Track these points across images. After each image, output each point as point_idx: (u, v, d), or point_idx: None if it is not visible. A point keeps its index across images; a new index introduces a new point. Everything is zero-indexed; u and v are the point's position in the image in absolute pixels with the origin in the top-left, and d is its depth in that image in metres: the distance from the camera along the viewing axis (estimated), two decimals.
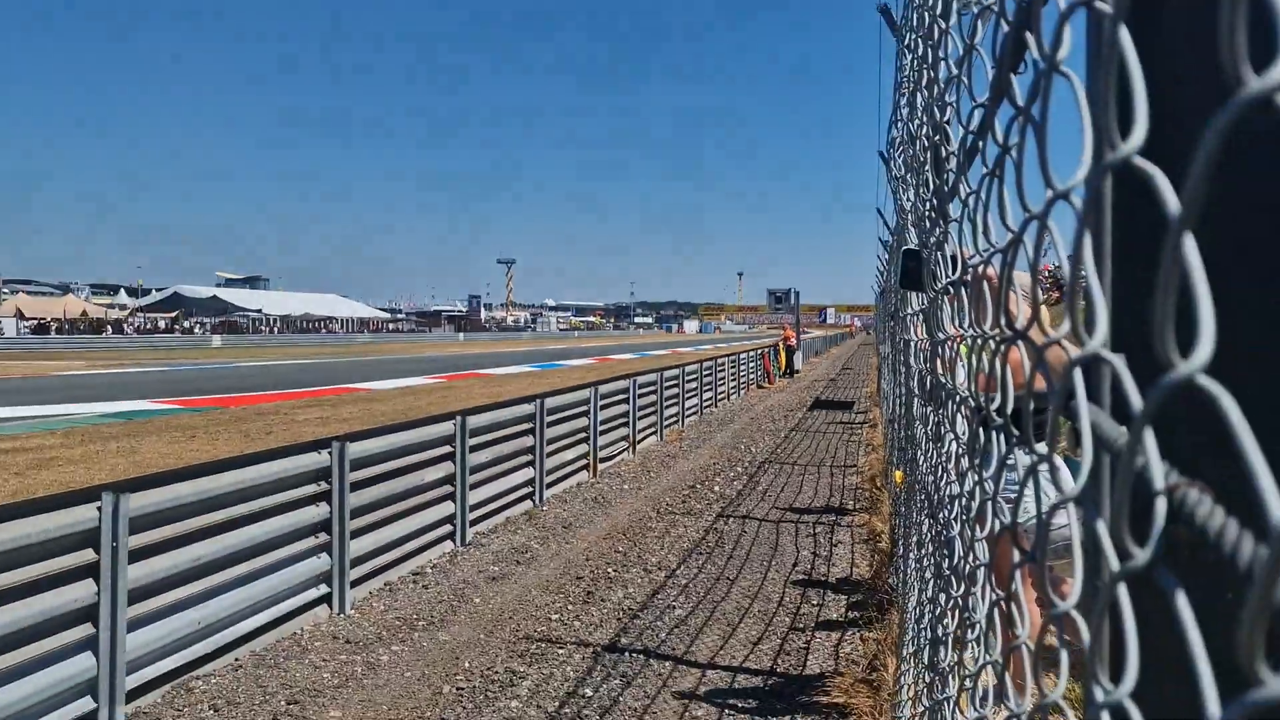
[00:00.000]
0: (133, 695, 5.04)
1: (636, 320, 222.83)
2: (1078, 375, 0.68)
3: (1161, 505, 0.53)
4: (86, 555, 4.77)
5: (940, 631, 1.92)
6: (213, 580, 5.66)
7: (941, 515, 2.05)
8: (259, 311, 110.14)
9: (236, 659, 5.82)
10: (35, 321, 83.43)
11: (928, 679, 2.12)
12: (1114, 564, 0.59)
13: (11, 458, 13.31)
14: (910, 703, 2.82)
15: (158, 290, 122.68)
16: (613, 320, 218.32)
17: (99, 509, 4.83)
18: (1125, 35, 0.53)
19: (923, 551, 2.74)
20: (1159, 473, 0.54)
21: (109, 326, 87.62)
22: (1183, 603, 0.48)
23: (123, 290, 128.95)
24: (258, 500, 6.09)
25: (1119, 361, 0.59)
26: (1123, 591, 0.59)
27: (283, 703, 5.22)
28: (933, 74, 1.78)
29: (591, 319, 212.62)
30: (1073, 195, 0.65)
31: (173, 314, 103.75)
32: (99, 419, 18.76)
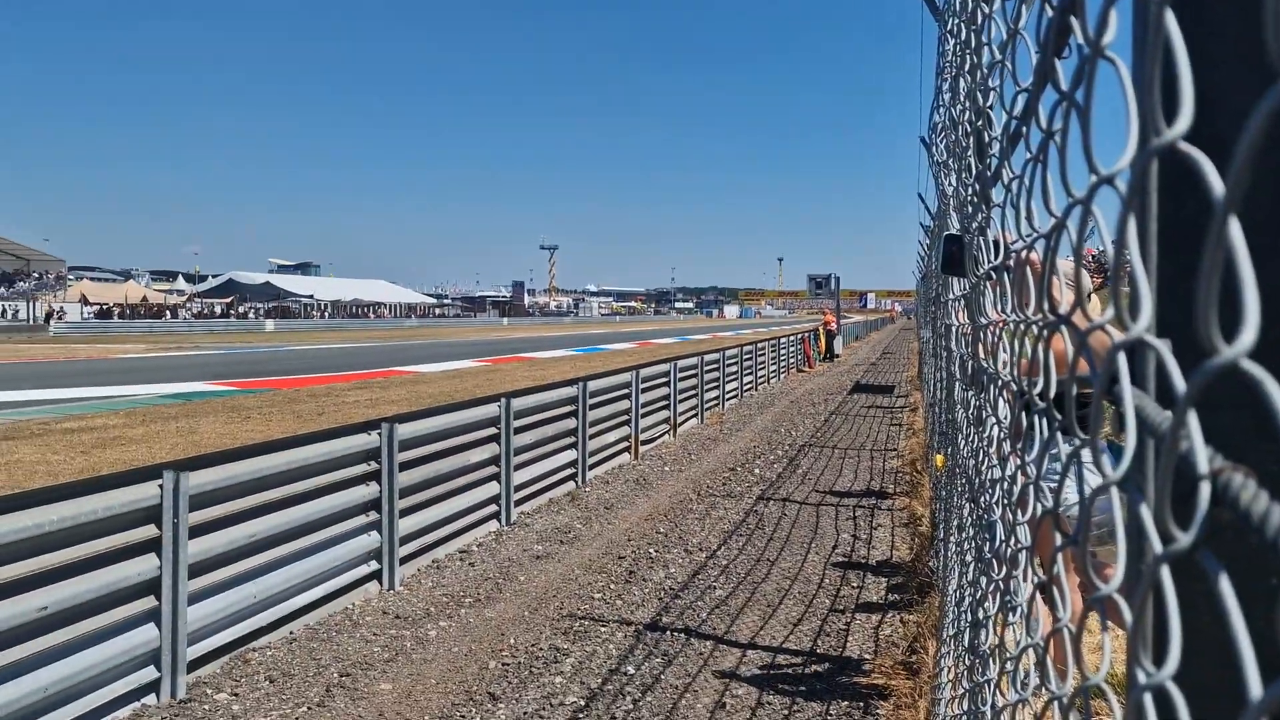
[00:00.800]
0: (193, 665, 5.16)
1: (677, 305, 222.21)
2: (1121, 360, 0.67)
3: (1205, 489, 0.52)
4: (149, 530, 4.88)
5: (981, 614, 1.91)
6: (268, 556, 5.77)
7: (983, 499, 2.03)
8: (310, 297, 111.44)
9: (291, 632, 5.93)
10: (99, 306, 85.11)
11: (968, 661, 2.11)
12: (1157, 547, 0.59)
13: (78, 436, 13.65)
14: (950, 685, 2.80)
15: (214, 276, 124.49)
16: (653, 305, 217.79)
17: (160, 486, 4.94)
18: (1171, 19, 0.52)
19: (963, 535, 2.72)
20: (1203, 456, 0.53)
21: (168, 311, 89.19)
22: (1226, 585, 0.47)
23: (181, 277, 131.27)
24: (310, 479, 6.19)
25: (1163, 346, 0.58)
26: (1165, 574, 0.58)
27: (335, 675, 5.31)
28: (975, 59, 1.75)
29: (633, 304, 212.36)
30: (1117, 180, 0.64)
31: (228, 299, 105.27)
32: (159, 400, 19.16)
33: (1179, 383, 0.53)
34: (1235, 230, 0.41)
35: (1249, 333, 0.42)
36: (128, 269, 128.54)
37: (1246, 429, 0.70)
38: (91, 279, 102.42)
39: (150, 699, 4.89)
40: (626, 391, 12.63)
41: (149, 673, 4.88)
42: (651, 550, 8.04)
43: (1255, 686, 0.41)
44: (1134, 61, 0.68)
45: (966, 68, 2.00)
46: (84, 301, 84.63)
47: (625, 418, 12.54)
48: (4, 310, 73.79)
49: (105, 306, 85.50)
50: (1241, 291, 0.41)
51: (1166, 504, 0.55)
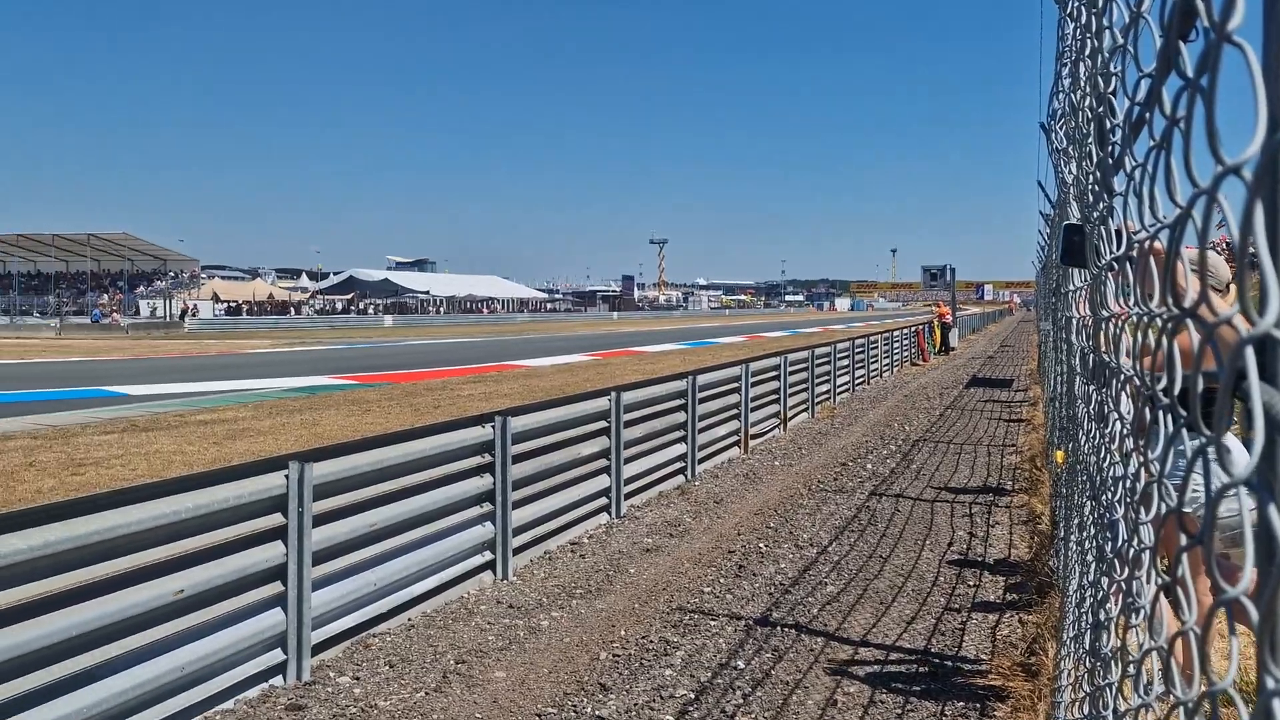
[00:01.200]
0: (317, 649, 5.36)
1: (787, 298, 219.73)
2: (1249, 354, 0.65)
3: None
4: (276, 519, 5.09)
5: (1102, 616, 1.85)
6: (386, 545, 5.95)
7: (1104, 497, 1.96)
8: (426, 293, 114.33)
9: (409, 619, 6.11)
10: (229, 304, 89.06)
11: (1089, 664, 2.05)
12: None
13: (210, 428, 14.36)
14: (1070, 688, 2.72)
15: (335, 274, 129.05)
16: (763, 298, 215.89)
17: (286, 477, 5.15)
18: None
19: (1084, 534, 2.63)
20: None
21: (292, 308, 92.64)
22: None
23: (304, 274, 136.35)
24: (427, 471, 6.36)
25: None
26: None
27: (451, 662, 5.46)
28: (1096, 43, 1.69)
29: (742, 297, 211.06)
30: (1244, 170, 0.62)
31: (348, 296, 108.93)
32: (284, 393, 19.97)
33: None
34: None
35: None
36: (255, 267, 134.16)
37: None
38: (222, 277, 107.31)
39: (278, 680, 5.10)
40: (736, 385, 12.59)
41: (276, 655, 5.10)
42: (761, 545, 8.00)
43: None
44: (1264, 46, 0.66)
45: (1087, 52, 1.93)
46: (215, 299, 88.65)
47: (735, 412, 12.50)
48: (151, 309, 77.64)
49: (234, 304, 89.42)
50: None
51: None
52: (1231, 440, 0.79)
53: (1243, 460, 0.73)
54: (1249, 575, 0.78)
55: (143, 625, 4.35)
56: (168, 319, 71.10)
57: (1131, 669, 1.39)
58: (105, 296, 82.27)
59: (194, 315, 74.44)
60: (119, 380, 23.28)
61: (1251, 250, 0.61)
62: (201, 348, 42.13)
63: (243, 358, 34.66)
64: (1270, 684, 0.62)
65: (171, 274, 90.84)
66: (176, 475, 5.70)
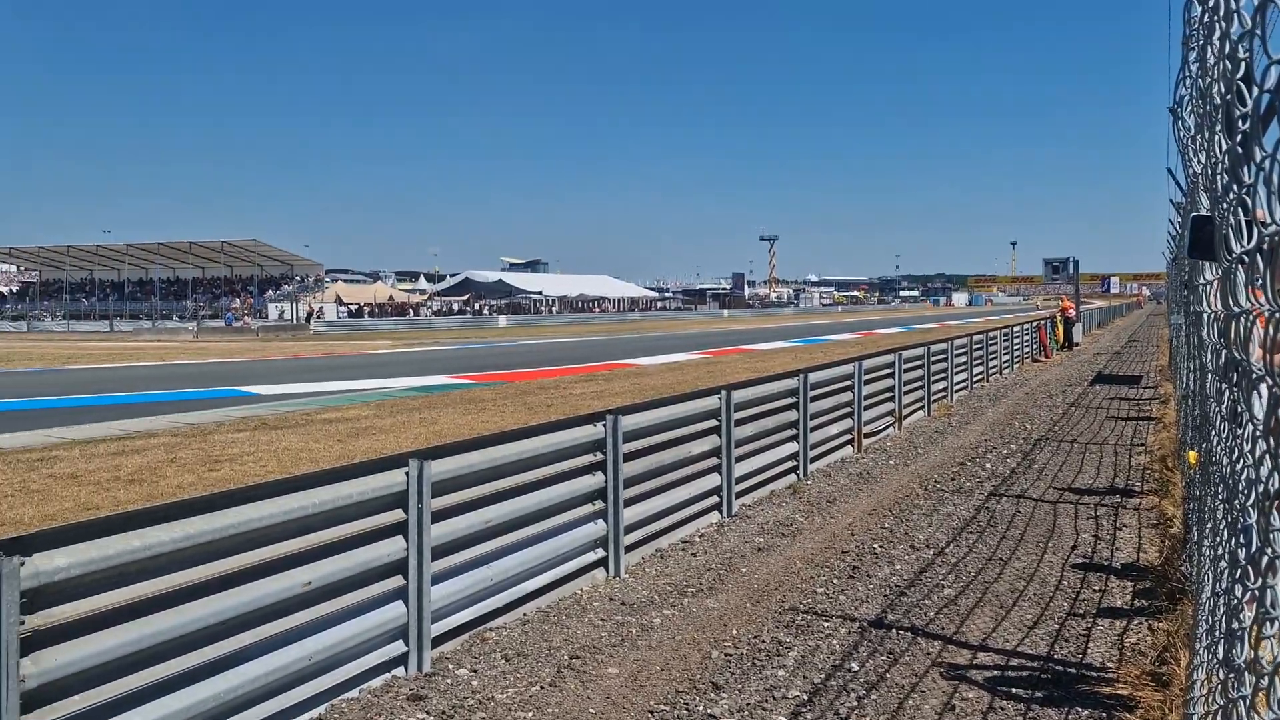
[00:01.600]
0: (436, 642, 5.49)
1: (901, 294, 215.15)
2: None
3: None
4: (397, 515, 5.25)
5: (1235, 625, 1.77)
6: (502, 541, 6.06)
7: (1237, 501, 1.88)
8: (539, 293, 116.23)
9: (524, 614, 6.23)
10: (351, 306, 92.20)
11: (1221, 675, 1.96)
12: None
13: (335, 426, 14.93)
14: (1203, 700, 2.60)
15: (451, 276, 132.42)
16: (877, 294, 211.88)
17: (406, 474, 5.30)
18: None
19: (1218, 539, 2.51)
20: None
21: (411, 310, 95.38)
22: None
23: (422, 277, 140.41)
24: (541, 469, 6.45)
25: None
26: None
27: (566, 657, 5.54)
28: (1224, 26, 1.61)
29: (855, 293, 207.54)
30: None
31: (464, 297, 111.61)
32: (404, 392, 20.59)
33: None
34: None
35: None
36: (375, 270, 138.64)
37: None
38: (344, 281, 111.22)
39: (399, 671, 5.26)
40: (849, 383, 12.41)
41: (398, 646, 5.25)
42: (876, 545, 7.88)
43: None
44: None
45: (1215, 37, 1.84)
46: (338, 302, 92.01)
47: (847, 410, 12.32)
48: (279, 312, 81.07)
49: (356, 306, 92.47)
50: None
51: None
52: None
53: None
54: None
55: (274, 615, 4.54)
56: (295, 322, 74.17)
57: (1263, 681, 1.33)
58: (237, 301, 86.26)
59: (319, 318, 77.37)
60: (250, 380, 24.43)
61: None
62: (326, 349, 43.85)
63: (365, 358, 35.90)
64: None
65: (298, 278, 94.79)
66: (304, 472, 5.94)
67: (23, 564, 3.50)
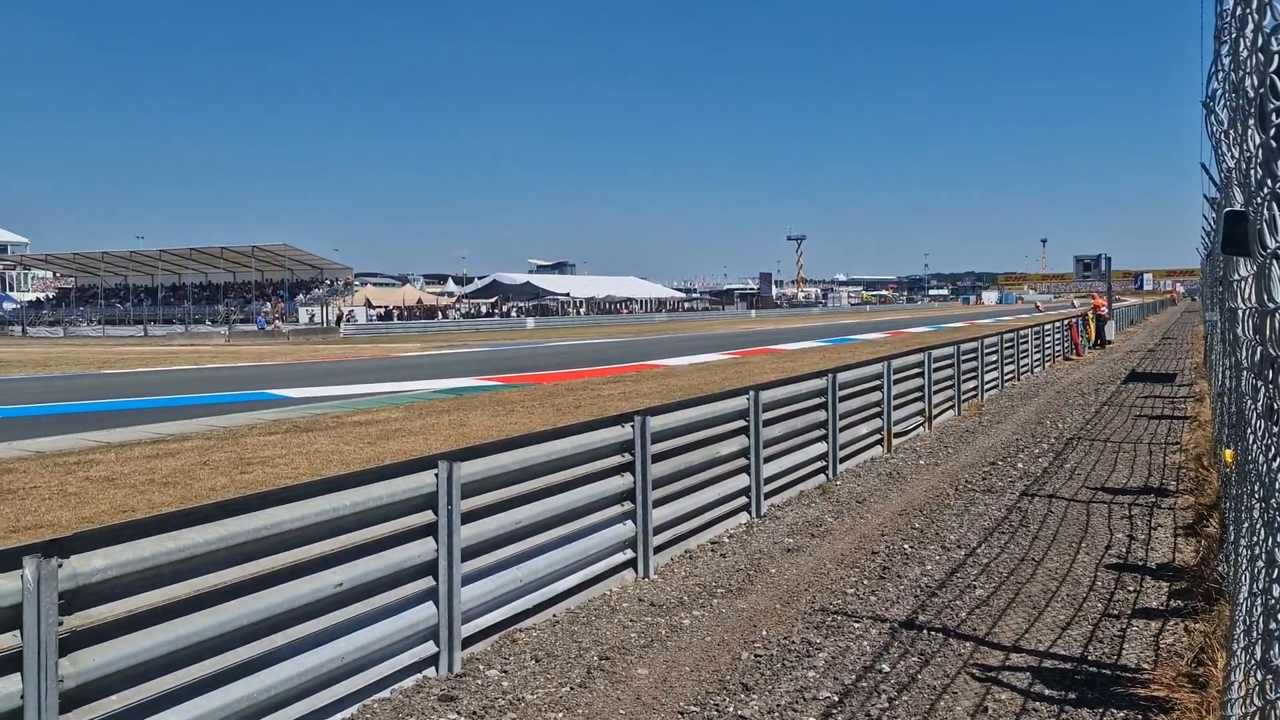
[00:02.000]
0: (467, 643, 5.51)
1: (931, 292, 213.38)
2: None
3: None
4: (427, 516, 5.27)
5: (1273, 625, 1.74)
6: (531, 542, 6.07)
7: (1274, 499, 1.85)
8: (567, 295, 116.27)
9: (554, 615, 6.24)
10: (381, 310, 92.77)
11: (1259, 676, 1.93)
12: None
13: (365, 429, 15.03)
14: (1240, 702, 2.56)
15: (479, 278, 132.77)
16: (906, 293, 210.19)
17: (436, 475, 5.32)
18: None
19: (1255, 538, 2.47)
20: None
21: (439, 312, 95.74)
22: None
23: (450, 279, 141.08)
24: (569, 470, 6.46)
25: None
26: None
27: (595, 658, 5.55)
28: (1258, 18, 1.59)
29: (884, 293, 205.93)
30: None
31: (492, 299, 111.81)
32: (433, 395, 20.71)
33: None
34: None
35: None
36: (404, 274, 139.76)
37: None
38: (374, 284, 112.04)
39: (430, 671, 5.28)
40: (878, 383, 12.34)
41: (429, 647, 5.27)
42: (906, 546, 7.83)
43: None
44: None
45: (1248, 29, 1.81)
46: (368, 305, 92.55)
47: (877, 410, 12.25)
48: (310, 316, 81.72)
49: (385, 309, 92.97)
50: None
51: None
52: None
53: None
54: None
55: (307, 616, 4.57)
56: (325, 325, 74.76)
57: None
58: (268, 305, 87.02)
59: (349, 321, 78.00)
60: (282, 384, 24.67)
61: None
62: (356, 352, 44.18)
63: (394, 361, 36.15)
64: None
65: (327, 282, 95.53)
66: (335, 474, 5.99)
67: (60, 565, 3.55)
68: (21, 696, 3.44)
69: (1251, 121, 1.79)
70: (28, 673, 3.45)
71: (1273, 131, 1.45)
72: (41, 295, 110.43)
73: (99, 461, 12.12)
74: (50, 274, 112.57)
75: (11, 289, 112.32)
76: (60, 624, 3.54)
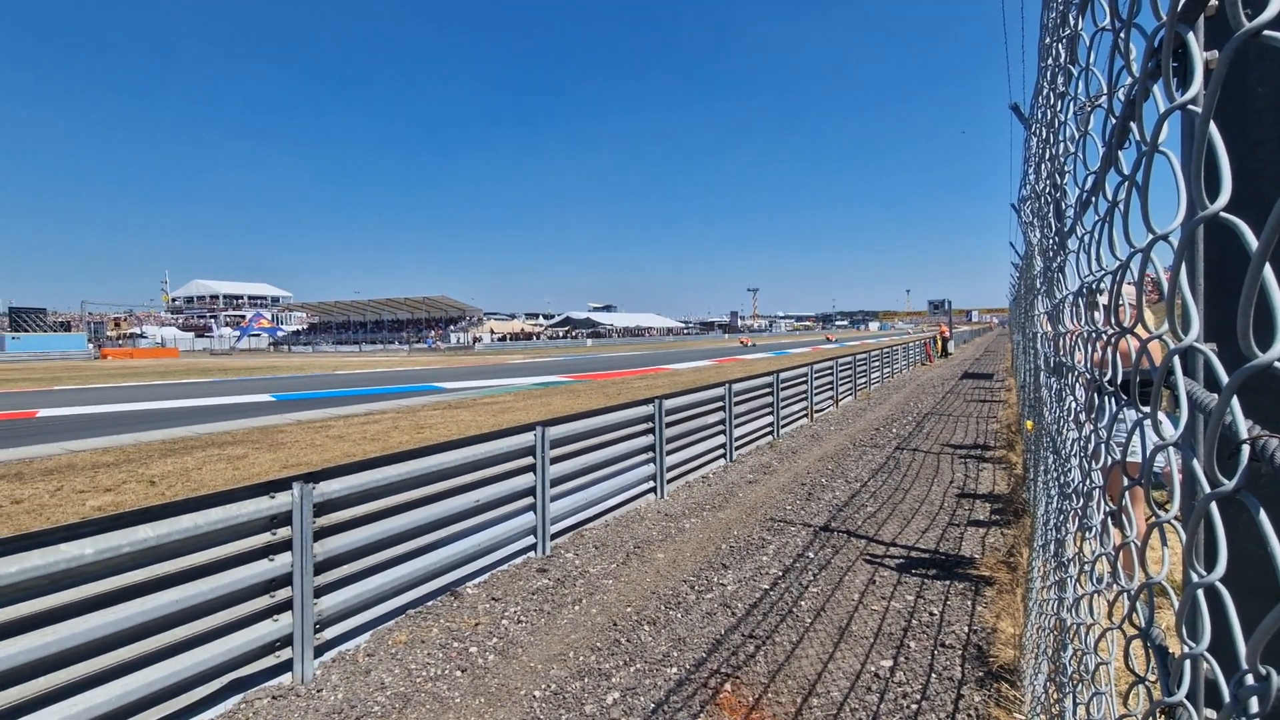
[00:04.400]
0: (553, 537, 5.52)
1: (836, 323, 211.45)
2: (1176, 359, 0.59)
3: (1245, 450, 0.46)
4: (529, 460, 5.28)
5: (1062, 533, 1.70)
6: (592, 476, 6.07)
7: (1063, 452, 1.81)
8: (611, 324, 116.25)
9: (605, 521, 6.22)
10: (500, 335, 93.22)
11: (1053, 564, 1.89)
12: (1206, 487, 0.52)
13: (490, 406, 15.05)
14: (1040, 578, 2.51)
15: (557, 314, 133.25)
16: (820, 324, 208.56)
17: (534, 434, 5.35)
18: (1215, 131, 0.46)
19: (1048, 477, 2.43)
20: (1243, 426, 0.47)
21: (534, 335, 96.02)
22: (1264, 516, 0.42)
23: (540, 315, 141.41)
24: (615, 432, 6.44)
25: (1210, 349, 0.52)
26: (1214, 508, 0.52)
27: (631, 546, 5.53)
28: (1054, 150, 1.57)
29: (807, 324, 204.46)
30: (1171, 237, 0.57)
31: (565, 328, 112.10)
32: (530, 386, 20.74)
33: (1223, 375, 0.47)
34: (1269, 273, 0.37)
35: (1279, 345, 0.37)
36: (513, 311, 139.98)
37: (1275, 409, 0.60)
38: (495, 319, 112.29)
39: (531, 555, 5.29)
40: (804, 377, 12.24)
41: (530, 539, 5.29)
42: (822, 480, 7.74)
43: None
44: (1183, 153, 0.61)
45: (1047, 157, 1.79)
46: (491, 332, 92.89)
47: (803, 395, 12.14)
48: (456, 339, 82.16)
49: (502, 335, 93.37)
50: (1275, 313, 0.37)
51: (1214, 459, 0.49)
52: (1160, 415, 0.72)
53: (1169, 429, 0.67)
54: (1176, 505, 0.71)
55: (462, 518, 4.61)
56: (466, 345, 75.01)
57: (1086, 567, 1.28)
58: (433, 332, 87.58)
59: (479, 341, 78.24)
60: (440, 379, 24.79)
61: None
62: (483, 360, 44.27)
63: (506, 366, 36.20)
64: (1194, 578, 0.57)
65: (467, 317, 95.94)
66: (474, 434, 6.00)
67: (314, 488, 3.59)
68: (291, 565, 3.48)
69: (1051, 214, 1.77)
70: (295, 551, 3.49)
71: (1065, 221, 1.43)
72: (299, 327, 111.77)
73: (333, 426, 12.23)
74: (304, 314, 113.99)
75: (281, 324, 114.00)
76: (314, 523, 3.58)
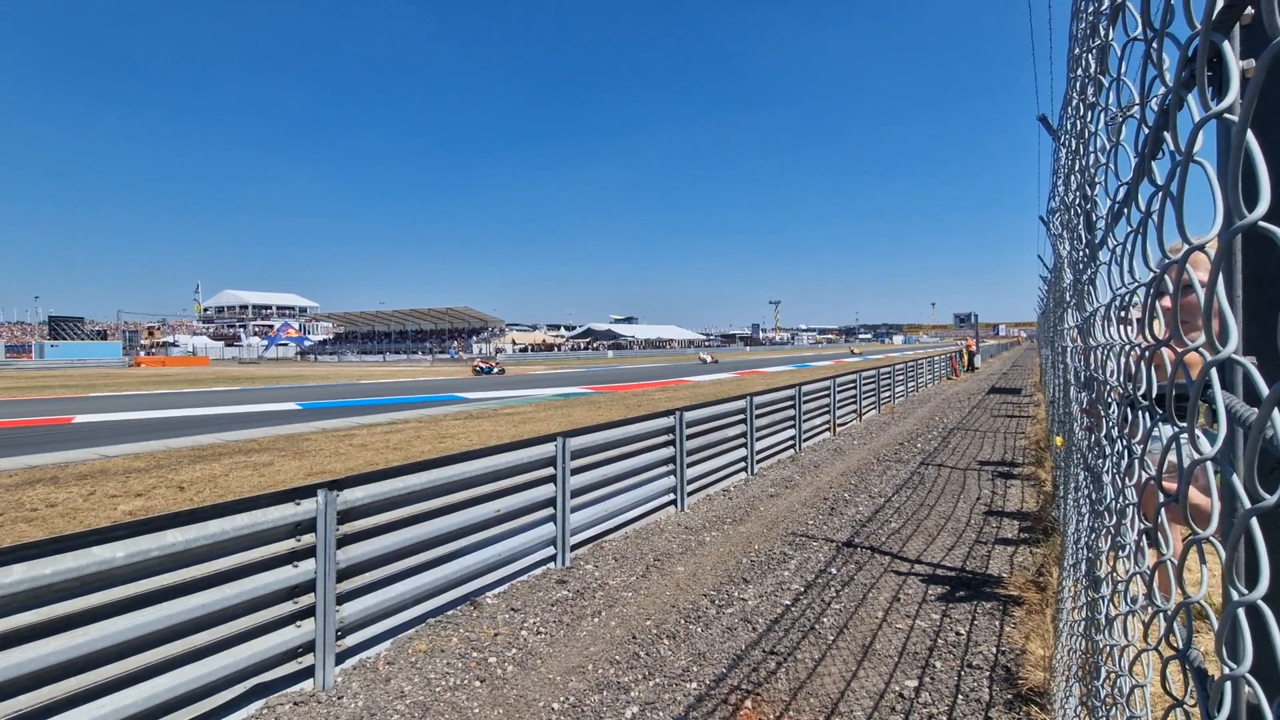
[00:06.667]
0: (573, 549, 5.51)
1: (860, 337, 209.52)
2: (1214, 372, 0.58)
3: None
4: (549, 470, 5.28)
5: (1094, 551, 1.66)
6: (613, 487, 6.05)
7: (1095, 467, 1.77)
8: (632, 336, 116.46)
9: (625, 533, 6.19)
10: (522, 345, 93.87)
11: (1085, 583, 1.84)
12: (1247, 503, 0.51)
13: (510, 417, 15.13)
14: (1070, 599, 2.45)
15: (579, 326, 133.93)
16: (843, 337, 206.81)
17: (555, 445, 5.36)
18: (1252, 139, 0.46)
19: (1080, 494, 2.37)
20: None
21: (556, 347, 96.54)
22: None
23: (562, 327, 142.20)
24: (634, 444, 6.44)
25: (1249, 362, 0.50)
26: (1254, 524, 0.50)
27: (651, 559, 5.50)
28: (1083, 162, 1.55)
29: (830, 336, 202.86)
30: (1208, 247, 0.56)
31: (587, 339, 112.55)
32: (551, 397, 20.81)
33: (1263, 387, 0.46)
34: None
35: None
36: (534, 323, 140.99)
37: None
38: (517, 330, 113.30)
39: (551, 565, 5.28)
40: (827, 391, 12.13)
41: (550, 550, 5.28)
42: (845, 495, 7.64)
43: None
44: (1219, 162, 0.60)
45: (1076, 168, 1.76)
46: (513, 342, 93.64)
47: (826, 409, 12.02)
48: (479, 350, 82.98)
49: (524, 346, 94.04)
50: None
51: (1254, 473, 0.48)
52: (1197, 430, 0.71)
53: (1205, 444, 0.65)
54: (1215, 522, 0.69)
55: (483, 528, 4.62)
56: (489, 356, 75.63)
57: (1119, 587, 1.25)
58: (456, 343, 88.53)
59: (501, 352, 78.81)
60: (462, 390, 25.01)
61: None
62: (504, 371, 44.60)
63: (528, 377, 36.42)
64: (1234, 596, 0.56)
65: (490, 328, 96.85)
66: (495, 444, 6.04)
67: (338, 495, 3.63)
68: (314, 571, 3.52)
69: (1081, 226, 1.74)
70: (318, 557, 3.53)
71: (1096, 233, 1.41)
72: (325, 337, 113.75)
73: (357, 434, 12.39)
74: (330, 324, 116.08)
75: (308, 333, 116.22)
76: (338, 530, 3.62)
